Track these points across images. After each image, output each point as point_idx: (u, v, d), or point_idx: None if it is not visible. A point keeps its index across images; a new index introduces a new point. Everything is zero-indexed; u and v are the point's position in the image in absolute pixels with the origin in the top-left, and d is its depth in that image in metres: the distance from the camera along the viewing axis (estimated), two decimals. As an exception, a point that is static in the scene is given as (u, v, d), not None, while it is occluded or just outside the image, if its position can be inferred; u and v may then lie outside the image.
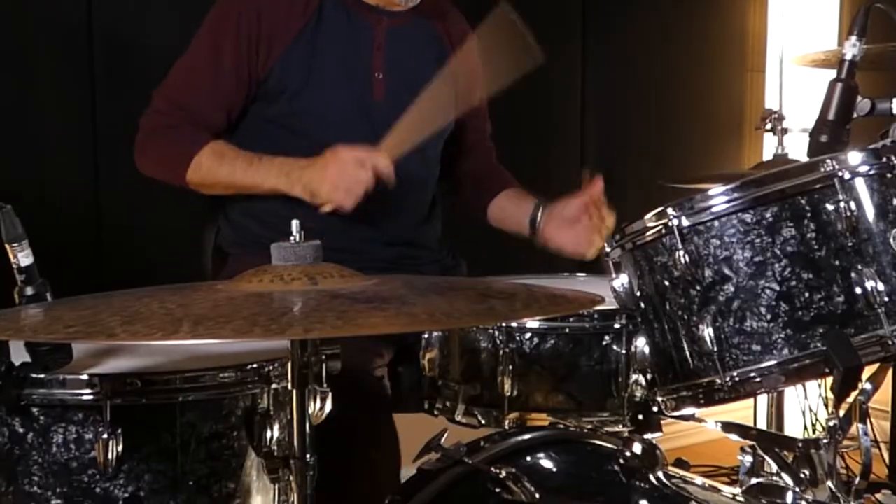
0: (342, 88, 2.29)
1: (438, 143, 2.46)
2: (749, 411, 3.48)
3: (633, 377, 1.91)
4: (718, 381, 1.62)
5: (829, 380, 1.60)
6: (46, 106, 2.82)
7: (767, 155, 3.45)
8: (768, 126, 3.14)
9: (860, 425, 1.75)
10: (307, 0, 2.28)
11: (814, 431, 3.43)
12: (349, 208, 2.11)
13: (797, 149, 3.10)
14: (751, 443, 1.75)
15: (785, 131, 3.10)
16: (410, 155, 2.21)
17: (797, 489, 1.62)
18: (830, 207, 1.59)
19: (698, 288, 1.63)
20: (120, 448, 1.49)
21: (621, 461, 1.73)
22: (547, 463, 1.76)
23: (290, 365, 1.45)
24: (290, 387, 1.45)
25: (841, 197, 1.59)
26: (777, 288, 1.59)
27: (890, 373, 2.28)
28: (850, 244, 1.59)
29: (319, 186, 2.13)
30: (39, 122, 2.81)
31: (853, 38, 1.84)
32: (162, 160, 2.32)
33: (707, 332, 1.61)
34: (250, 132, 2.34)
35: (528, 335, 1.93)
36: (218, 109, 2.31)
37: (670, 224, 1.63)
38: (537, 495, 1.62)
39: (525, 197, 2.44)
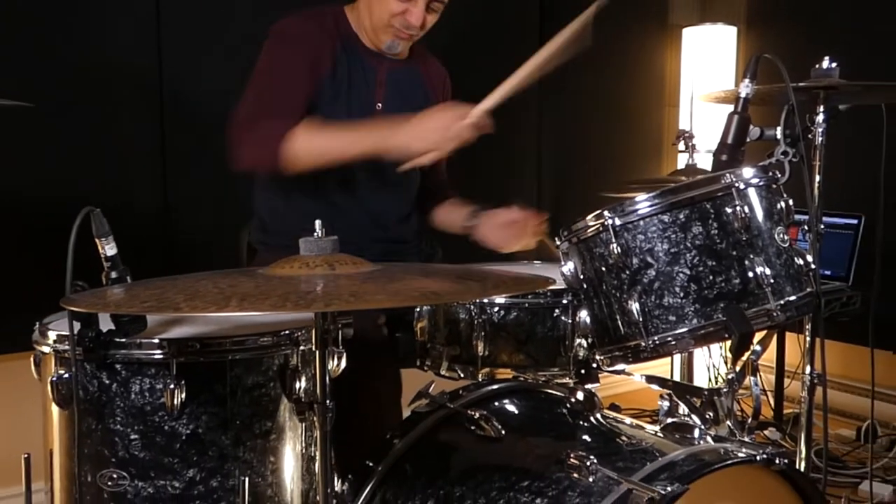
0: (353, 114, 2.22)
1: None
2: (667, 367, 3.48)
3: (577, 341, 1.90)
4: (643, 344, 1.62)
5: (728, 343, 1.61)
6: (127, 130, 2.79)
7: (681, 165, 3.44)
8: (682, 143, 3.13)
9: (752, 378, 1.76)
10: (329, 40, 2.20)
11: (716, 382, 3.43)
12: (447, 151, 1.98)
13: (704, 164, 3.10)
14: (668, 391, 1.76)
15: (694, 147, 3.09)
16: (392, 176, 2.19)
17: (703, 427, 1.62)
18: (729, 210, 1.60)
19: (627, 272, 1.63)
20: (183, 395, 1.50)
21: (568, 405, 1.74)
22: (511, 407, 1.77)
23: (314, 331, 1.46)
24: (314, 348, 1.46)
25: (737, 202, 1.59)
26: (688, 272, 1.59)
27: (775, 337, 2.30)
28: (744, 239, 1.60)
29: (415, 141, 1.98)
30: (122, 144, 2.78)
31: (746, 80, 1.84)
32: (259, 144, 2.06)
33: (634, 307, 1.62)
34: None
35: (496, 308, 1.93)
36: (296, 106, 2.12)
37: (606, 223, 1.63)
38: (503, 431, 1.63)
39: (463, 205, 2.38)
